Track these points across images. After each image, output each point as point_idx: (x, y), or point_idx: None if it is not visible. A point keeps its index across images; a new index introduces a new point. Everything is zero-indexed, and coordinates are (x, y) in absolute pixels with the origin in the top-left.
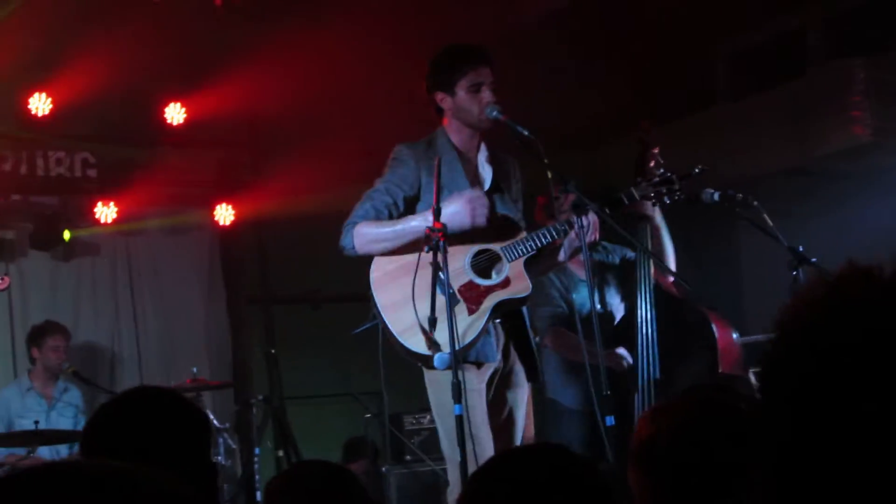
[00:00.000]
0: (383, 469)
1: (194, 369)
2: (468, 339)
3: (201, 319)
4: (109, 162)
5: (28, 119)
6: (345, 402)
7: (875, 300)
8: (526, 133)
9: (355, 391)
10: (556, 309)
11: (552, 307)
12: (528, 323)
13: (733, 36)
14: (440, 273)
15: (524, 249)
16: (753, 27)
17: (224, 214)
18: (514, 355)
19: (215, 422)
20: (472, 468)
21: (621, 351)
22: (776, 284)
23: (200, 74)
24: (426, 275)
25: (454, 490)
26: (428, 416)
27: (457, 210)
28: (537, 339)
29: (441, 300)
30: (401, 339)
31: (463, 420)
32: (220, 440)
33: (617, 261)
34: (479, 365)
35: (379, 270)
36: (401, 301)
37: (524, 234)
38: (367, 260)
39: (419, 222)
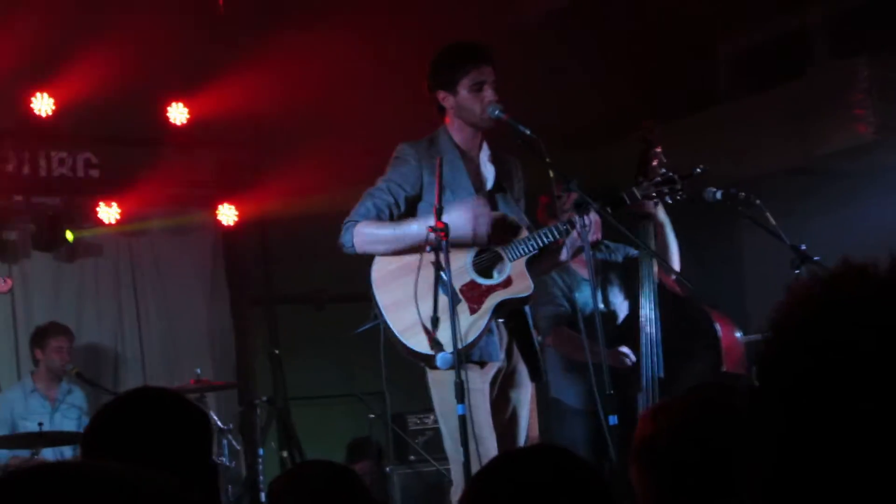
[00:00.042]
0: (387, 469)
1: (198, 370)
2: (470, 339)
3: (204, 320)
4: (112, 162)
5: (30, 119)
6: (349, 402)
7: (870, 297)
8: (528, 132)
9: (359, 391)
10: (559, 308)
11: (555, 306)
12: (530, 322)
13: (736, 35)
14: (442, 272)
15: (526, 249)
16: (756, 26)
17: (227, 215)
18: (517, 355)
19: (219, 423)
20: (475, 468)
21: (624, 349)
22: (779, 283)
23: (203, 75)
24: (428, 274)
25: (458, 490)
26: (432, 417)
27: (460, 219)
28: (540, 338)
29: (443, 300)
30: (402, 339)
31: (466, 420)
32: (224, 441)
33: (620, 259)
34: (482, 364)
35: (380, 270)
36: (402, 300)
37: (526, 233)
38: (370, 259)
39: (418, 227)
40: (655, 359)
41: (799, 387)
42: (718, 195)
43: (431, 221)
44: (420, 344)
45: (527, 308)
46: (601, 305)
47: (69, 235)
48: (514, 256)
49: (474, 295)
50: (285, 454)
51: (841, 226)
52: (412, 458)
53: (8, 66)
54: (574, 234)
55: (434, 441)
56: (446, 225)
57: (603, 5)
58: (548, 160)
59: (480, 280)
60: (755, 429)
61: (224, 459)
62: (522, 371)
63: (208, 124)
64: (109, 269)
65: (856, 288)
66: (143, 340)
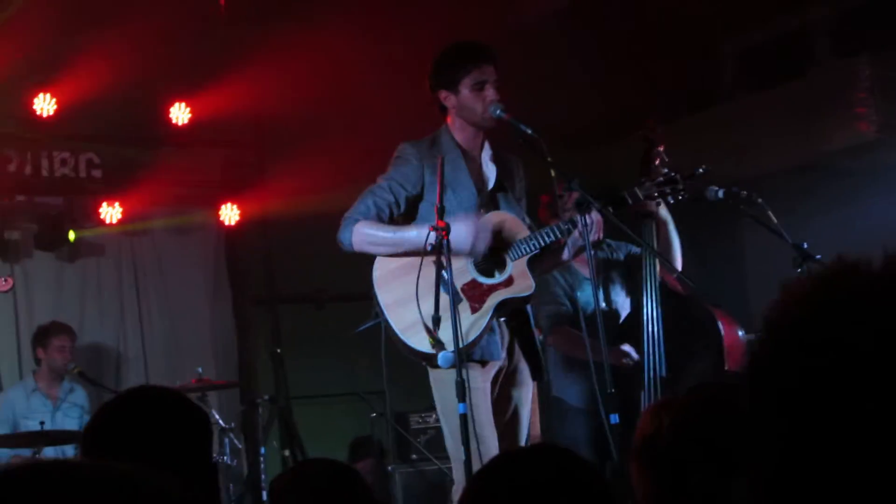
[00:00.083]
0: (389, 468)
1: (200, 369)
2: (471, 338)
3: (207, 319)
4: (114, 162)
5: (32, 120)
6: (351, 401)
7: (864, 295)
8: (529, 131)
9: (361, 390)
10: (561, 307)
11: (556, 305)
12: (532, 321)
13: (738, 34)
14: (443, 271)
15: (527, 248)
16: (758, 25)
17: (229, 214)
18: (518, 353)
19: (221, 422)
20: (476, 467)
21: (626, 347)
22: (781, 282)
23: (205, 74)
24: (429, 273)
25: (459, 489)
26: (434, 415)
27: (461, 232)
28: (541, 337)
29: (444, 299)
30: (403, 338)
31: (467, 419)
32: (226, 440)
33: (622, 257)
34: (483, 363)
35: (382, 269)
36: (404, 299)
37: (527, 232)
38: (371, 259)
39: (417, 234)
40: (657, 357)
41: (794, 386)
42: (720, 194)
43: (428, 237)
44: (421, 343)
45: (528, 307)
46: (603, 304)
47: (71, 235)
48: (516, 255)
49: (475, 294)
50: (287, 453)
51: (843, 224)
52: (414, 457)
53: (10, 67)
54: (576, 233)
55: (436, 440)
56: (447, 224)
57: (604, 5)
58: (549, 159)
59: (482, 279)
60: (752, 429)
61: (226, 458)
62: (524, 370)
63: (210, 124)
64: (111, 269)
65: (850, 286)
66: (145, 340)
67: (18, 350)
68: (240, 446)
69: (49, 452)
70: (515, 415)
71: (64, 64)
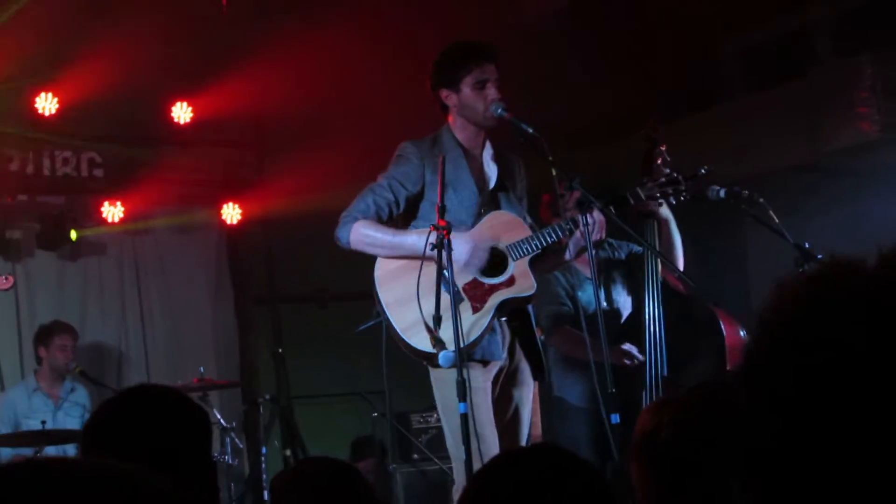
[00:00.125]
0: (390, 468)
1: (201, 369)
2: (472, 338)
3: (208, 319)
4: (116, 161)
5: (34, 119)
6: (352, 401)
7: (858, 293)
8: (531, 130)
9: (363, 390)
10: (562, 307)
11: (557, 306)
12: (533, 321)
13: (740, 33)
14: (444, 271)
15: (529, 248)
16: (761, 24)
17: (231, 214)
18: (519, 353)
19: (222, 421)
20: (477, 466)
21: (627, 347)
22: (775, 280)
23: (207, 74)
24: (430, 272)
25: (459, 488)
26: (435, 415)
27: (459, 248)
28: (542, 337)
29: (445, 298)
30: (404, 337)
31: (468, 418)
32: (227, 439)
33: (623, 256)
34: (484, 363)
35: (383, 268)
36: (405, 298)
37: (529, 232)
38: (373, 258)
39: (414, 241)
40: (659, 357)
41: (788, 385)
42: (722, 193)
43: (428, 237)
44: (422, 342)
45: (530, 307)
46: (604, 304)
47: (73, 234)
48: (518, 255)
49: (477, 294)
50: (288, 452)
51: (845, 224)
52: (415, 456)
53: (12, 66)
54: (577, 233)
55: (437, 439)
56: (449, 223)
57: (604, 5)
58: (550, 158)
59: (483, 279)
60: (747, 427)
61: (227, 458)
62: (525, 369)
63: (212, 123)
64: (113, 268)
65: (844, 284)
66: (146, 339)
67: (20, 349)
68: (241, 446)
69: (50, 452)
70: (516, 414)
71: (66, 63)
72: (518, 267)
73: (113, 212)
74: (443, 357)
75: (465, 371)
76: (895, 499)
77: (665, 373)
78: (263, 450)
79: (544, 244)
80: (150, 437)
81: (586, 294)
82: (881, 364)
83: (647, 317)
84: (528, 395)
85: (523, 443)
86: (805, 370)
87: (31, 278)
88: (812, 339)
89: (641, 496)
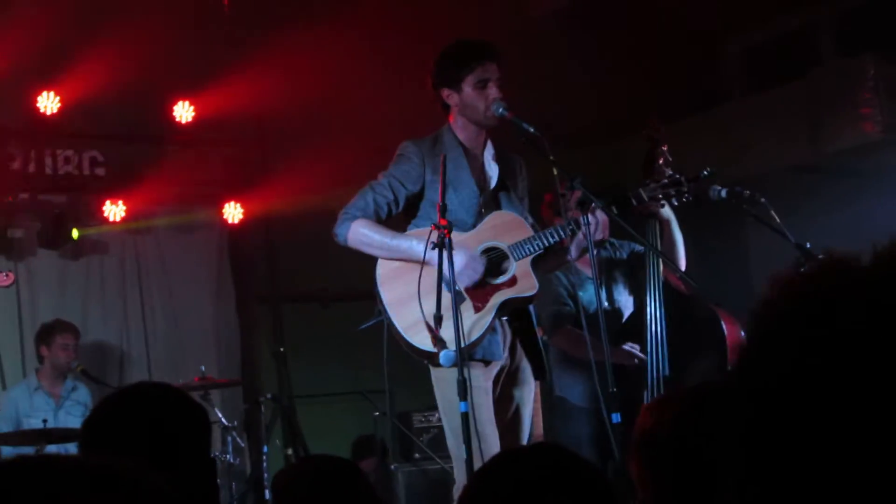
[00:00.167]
0: (392, 467)
1: (203, 367)
2: (473, 337)
3: (210, 317)
4: (118, 160)
5: (36, 117)
6: (354, 400)
7: (851, 291)
8: (532, 130)
9: (364, 389)
10: (563, 307)
11: (559, 305)
12: (535, 321)
13: (743, 33)
14: (446, 270)
15: (531, 248)
16: (763, 24)
17: (233, 213)
18: (520, 353)
19: (223, 420)
20: (477, 465)
21: (628, 346)
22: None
23: (209, 73)
24: (432, 271)
25: (460, 487)
26: (436, 415)
27: (454, 261)
28: (544, 337)
29: (447, 297)
30: (406, 336)
31: (469, 417)
32: (229, 438)
33: (625, 256)
34: (485, 363)
35: (385, 266)
36: (406, 297)
37: (531, 232)
38: (374, 257)
39: (410, 246)
40: (661, 357)
41: (780, 383)
42: (723, 193)
43: (423, 244)
44: (423, 341)
45: (531, 307)
46: (606, 303)
47: (75, 233)
48: (520, 255)
49: (479, 293)
50: (290, 451)
51: (846, 225)
52: (417, 455)
53: (14, 65)
54: (580, 235)
55: (439, 439)
56: (450, 223)
57: (604, 5)
58: (552, 158)
59: (486, 278)
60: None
61: (229, 457)
62: (526, 369)
63: (214, 122)
64: (115, 267)
65: (838, 280)
66: (148, 338)
67: (21, 348)
68: (242, 445)
69: (52, 451)
70: (517, 414)
71: (68, 62)
72: (520, 267)
73: (114, 211)
74: (443, 356)
75: (465, 370)
76: (892, 498)
77: (667, 372)
78: (265, 449)
79: (546, 244)
80: (150, 435)
81: (587, 294)
82: (875, 360)
83: (648, 316)
84: (529, 394)
85: (524, 442)
86: (798, 366)
87: (32, 277)
88: (805, 335)
89: (641, 494)
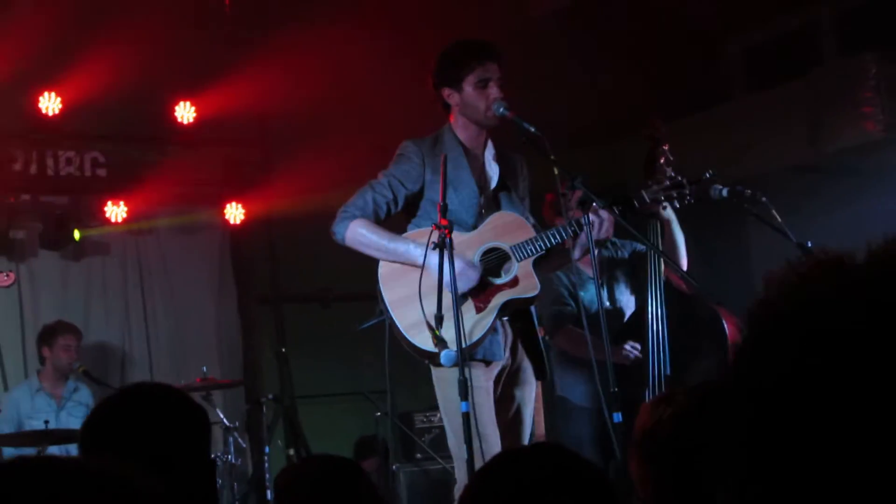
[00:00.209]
0: (394, 467)
1: (204, 368)
2: (475, 337)
3: (212, 318)
4: (119, 161)
5: (38, 119)
6: (355, 400)
7: (847, 290)
8: (532, 130)
9: (366, 390)
10: (564, 307)
11: (560, 305)
12: (536, 321)
13: (743, 32)
14: (445, 272)
15: (533, 249)
16: (764, 23)
17: (234, 213)
18: (521, 353)
19: (225, 420)
20: (479, 465)
21: (628, 346)
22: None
23: (210, 74)
24: (434, 272)
25: (461, 487)
26: (438, 415)
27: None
28: (545, 337)
29: (448, 297)
30: (407, 336)
31: (470, 417)
32: (231, 439)
33: (626, 255)
34: (486, 363)
35: (387, 266)
36: (408, 297)
37: (533, 233)
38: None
39: (408, 250)
40: (662, 356)
41: (777, 379)
42: (725, 193)
43: (422, 249)
44: (425, 341)
45: (532, 307)
46: (607, 303)
47: (76, 234)
48: (522, 256)
49: (480, 294)
50: (292, 452)
51: (848, 224)
52: (418, 456)
53: (15, 66)
54: (583, 236)
55: (440, 439)
56: (451, 222)
57: (604, 5)
58: (552, 157)
59: (487, 279)
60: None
61: (230, 457)
62: (527, 369)
63: (215, 123)
64: (117, 268)
65: (833, 278)
66: (150, 339)
67: (23, 349)
68: (244, 445)
69: (53, 452)
70: (518, 414)
71: (69, 63)
72: (522, 268)
73: (116, 211)
74: (444, 356)
75: (466, 370)
76: (890, 498)
77: (668, 372)
78: (266, 449)
79: (548, 245)
80: (149, 436)
81: (589, 293)
82: (876, 359)
83: (650, 316)
84: (530, 394)
85: (525, 442)
86: (798, 366)
87: (34, 278)
88: (800, 333)
89: (641, 493)
